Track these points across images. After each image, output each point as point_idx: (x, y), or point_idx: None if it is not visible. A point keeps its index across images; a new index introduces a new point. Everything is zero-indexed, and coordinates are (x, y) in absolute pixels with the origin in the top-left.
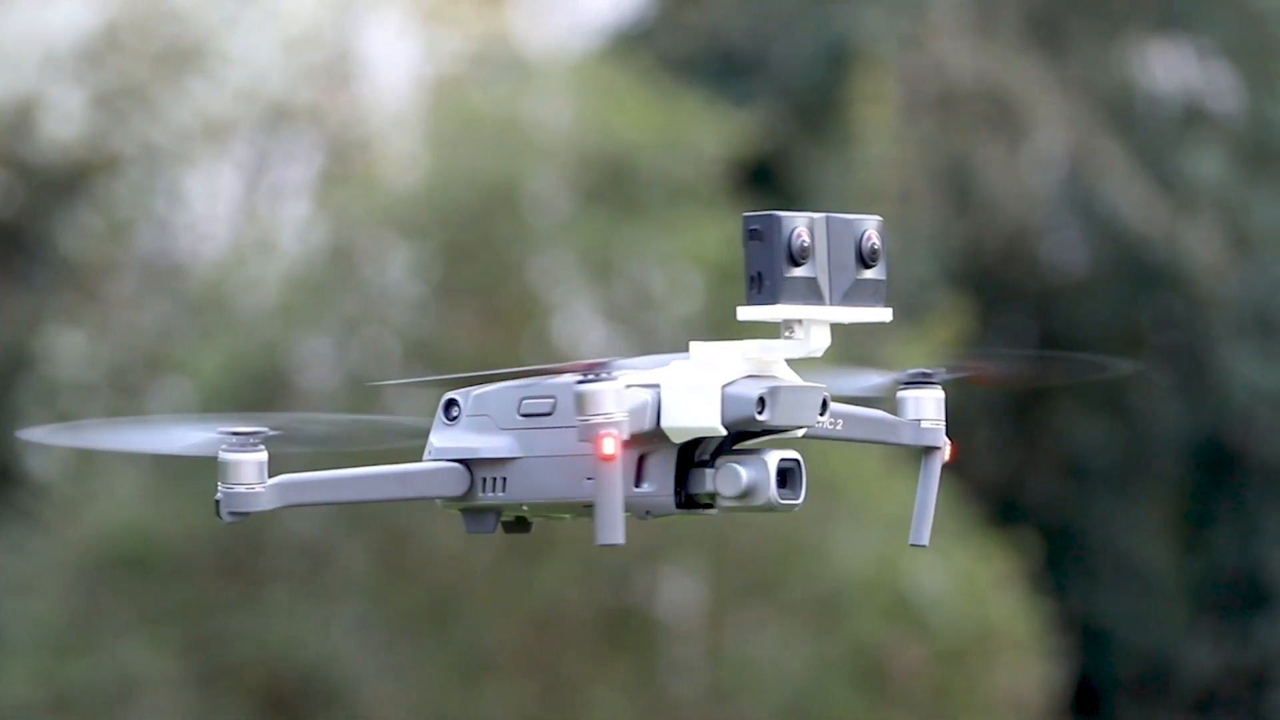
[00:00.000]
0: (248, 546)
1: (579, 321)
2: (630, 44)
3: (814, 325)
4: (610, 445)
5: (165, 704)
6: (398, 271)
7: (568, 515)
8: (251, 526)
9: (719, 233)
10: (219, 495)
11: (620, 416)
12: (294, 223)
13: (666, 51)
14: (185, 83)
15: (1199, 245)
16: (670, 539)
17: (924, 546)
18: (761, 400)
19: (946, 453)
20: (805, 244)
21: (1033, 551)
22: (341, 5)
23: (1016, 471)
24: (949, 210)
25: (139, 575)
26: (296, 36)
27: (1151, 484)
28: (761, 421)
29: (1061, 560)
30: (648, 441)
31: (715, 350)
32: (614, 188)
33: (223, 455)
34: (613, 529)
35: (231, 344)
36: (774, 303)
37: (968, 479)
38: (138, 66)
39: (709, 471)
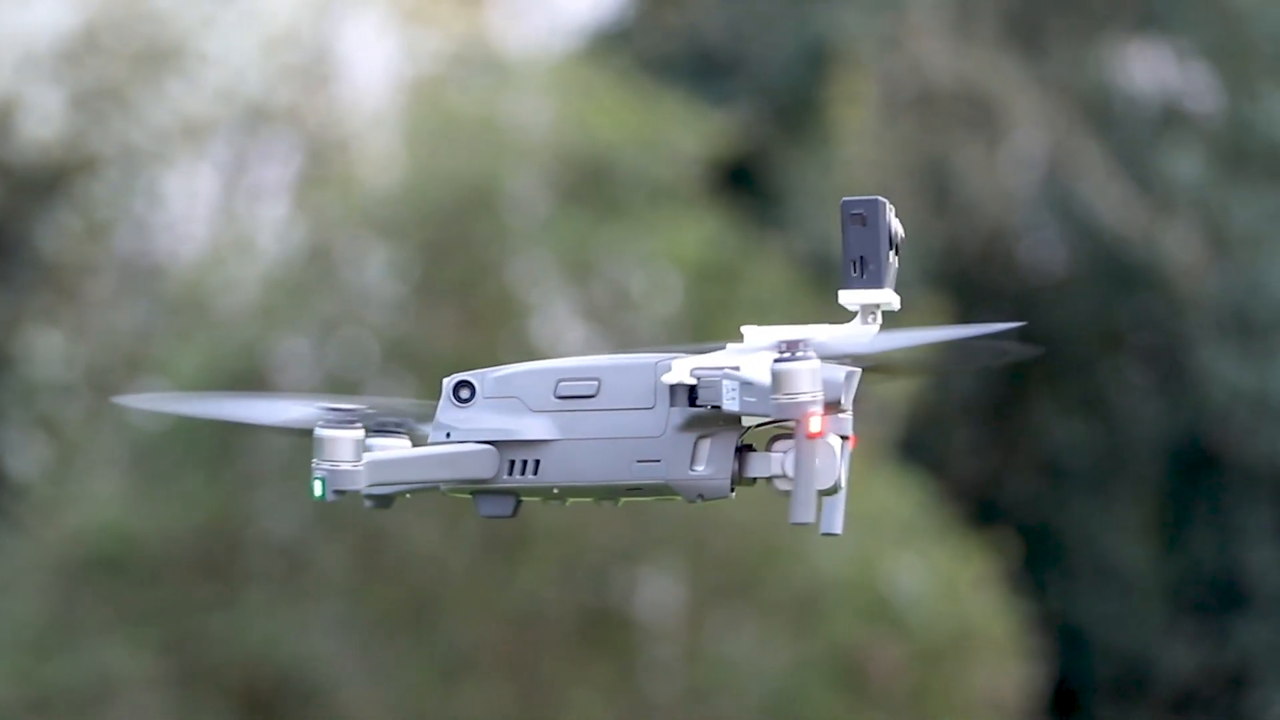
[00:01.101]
0: (226, 547)
1: (557, 322)
2: (608, 44)
3: (881, 310)
4: (818, 423)
5: (143, 704)
6: (376, 272)
7: (591, 499)
8: (229, 525)
9: (698, 233)
10: (320, 473)
11: (820, 395)
12: (273, 223)
13: (645, 52)
14: (164, 83)
15: (1177, 245)
16: (649, 539)
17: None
18: (844, 383)
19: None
20: (898, 231)
21: (1011, 552)
22: (320, 6)
23: (995, 472)
24: (927, 210)
25: (117, 576)
26: (275, 37)
27: (1130, 484)
28: (843, 404)
29: (1040, 560)
30: (716, 423)
31: (783, 335)
32: (593, 188)
33: (322, 432)
34: (809, 508)
35: (210, 344)
36: (879, 286)
37: (946, 479)
38: (116, 67)
39: (775, 455)
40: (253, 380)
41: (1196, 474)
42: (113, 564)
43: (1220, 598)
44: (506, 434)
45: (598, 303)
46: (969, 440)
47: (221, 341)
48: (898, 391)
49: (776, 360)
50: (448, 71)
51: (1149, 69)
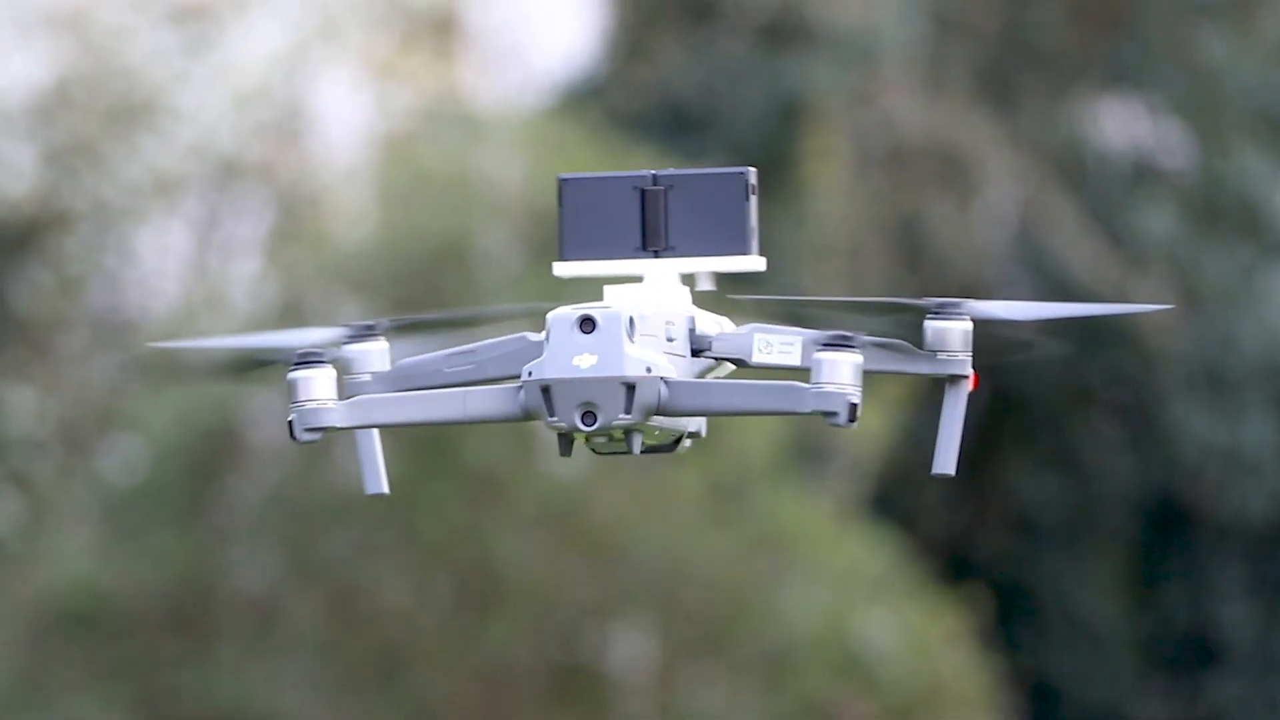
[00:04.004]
0: (197, 602)
1: None
2: (581, 100)
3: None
4: (972, 379)
5: None
6: None
7: (672, 444)
8: (200, 581)
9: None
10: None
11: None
12: (245, 279)
13: (617, 107)
14: (136, 139)
15: (1149, 301)
16: (620, 595)
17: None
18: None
19: None
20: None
21: (983, 608)
22: (292, 61)
23: (967, 527)
24: (900, 266)
25: (89, 631)
26: (247, 92)
27: (1102, 540)
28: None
29: (1012, 616)
30: (700, 376)
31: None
32: None
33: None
34: (954, 460)
35: (181, 400)
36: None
37: (917, 535)
38: (89, 123)
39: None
40: (224, 436)
41: (1168, 530)
42: (84, 619)
43: (1192, 653)
44: (668, 372)
45: None
46: (940, 496)
47: (193, 397)
48: (869, 448)
49: (932, 318)
50: (419, 127)
51: (1121, 125)
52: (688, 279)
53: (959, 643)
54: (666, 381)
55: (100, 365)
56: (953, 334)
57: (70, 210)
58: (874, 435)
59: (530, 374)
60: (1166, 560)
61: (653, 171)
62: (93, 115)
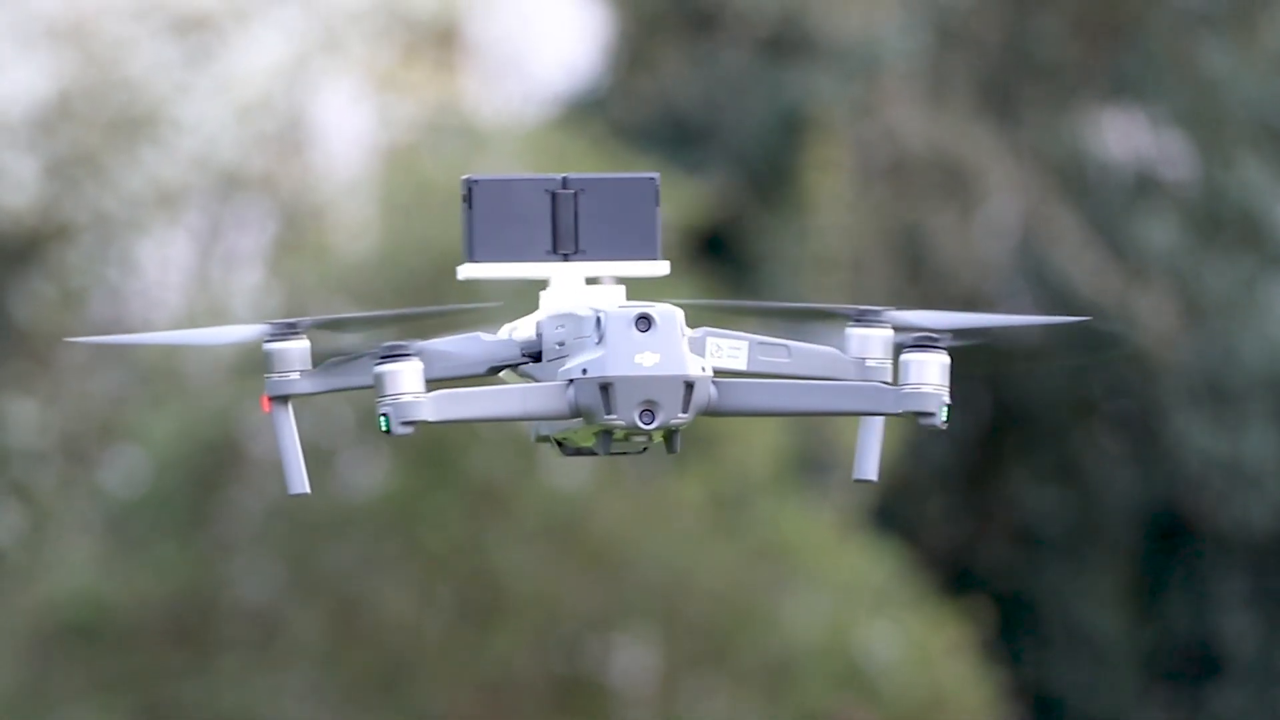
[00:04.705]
0: (199, 614)
1: None
2: (583, 111)
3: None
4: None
5: None
6: (351, 339)
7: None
8: (203, 592)
9: (673, 300)
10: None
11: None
12: (247, 290)
13: (619, 119)
14: (138, 151)
15: (1151, 313)
16: (622, 607)
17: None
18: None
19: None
20: None
21: (985, 619)
22: (294, 73)
23: (969, 540)
24: (902, 278)
25: (91, 642)
26: (249, 104)
27: (1104, 552)
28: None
29: (1014, 628)
30: None
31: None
32: None
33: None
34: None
35: (183, 411)
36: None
37: (920, 547)
38: (90, 135)
39: None
40: (226, 447)
41: (1170, 541)
42: (86, 631)
43: (1194, 665)
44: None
45: None
46: (943, 508)
47: (194, 409)
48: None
49: (854, 325)
50: (422, 138)
51: (1123, 136)
52: (591, 282)
53: (961, 654)
54: (715, 382)
55: (102, 378)
56: (873, 342)
57: (72, 222)
58: None
59: (585, 371)
60: (1168, 572)
61: (563, 175)
62: (94, 127)
